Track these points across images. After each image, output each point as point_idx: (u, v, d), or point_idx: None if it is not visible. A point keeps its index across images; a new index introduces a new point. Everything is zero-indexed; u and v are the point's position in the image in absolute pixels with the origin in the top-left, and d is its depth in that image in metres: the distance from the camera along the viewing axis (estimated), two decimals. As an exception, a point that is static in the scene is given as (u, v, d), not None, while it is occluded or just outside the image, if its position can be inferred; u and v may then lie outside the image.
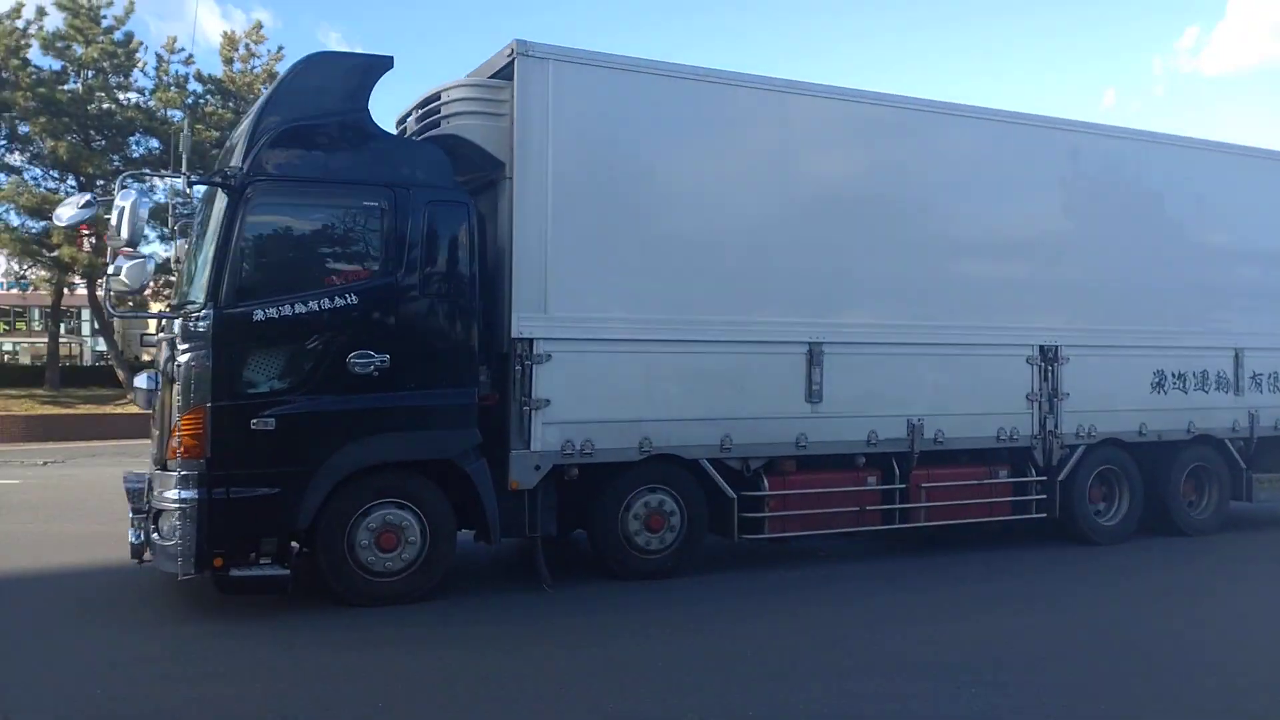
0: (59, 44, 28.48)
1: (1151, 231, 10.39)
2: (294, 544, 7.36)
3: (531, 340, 7.62)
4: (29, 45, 27.93)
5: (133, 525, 7.26)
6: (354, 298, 7.17)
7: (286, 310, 6.99)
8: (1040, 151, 9.89)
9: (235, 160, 7.16)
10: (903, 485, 9.14)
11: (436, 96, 8.07)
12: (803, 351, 8.62)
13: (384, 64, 7.55)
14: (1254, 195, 11.02)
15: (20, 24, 27.93)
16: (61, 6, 28.56)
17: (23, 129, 28.34)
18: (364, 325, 7.20)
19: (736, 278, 8.41)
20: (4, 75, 27.11)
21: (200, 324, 6.85)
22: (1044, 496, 9.86)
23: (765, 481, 8.59)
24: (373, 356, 7.15)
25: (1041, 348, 9.73)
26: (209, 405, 6.81)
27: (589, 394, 7.84)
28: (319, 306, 7.07)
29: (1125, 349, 10.16)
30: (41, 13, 28.34)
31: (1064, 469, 9.86)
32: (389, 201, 7.27)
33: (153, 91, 30.53)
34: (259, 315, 6.93)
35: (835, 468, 8.93)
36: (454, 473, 7.44)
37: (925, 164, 9.27)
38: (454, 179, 7.64)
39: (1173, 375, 10.46)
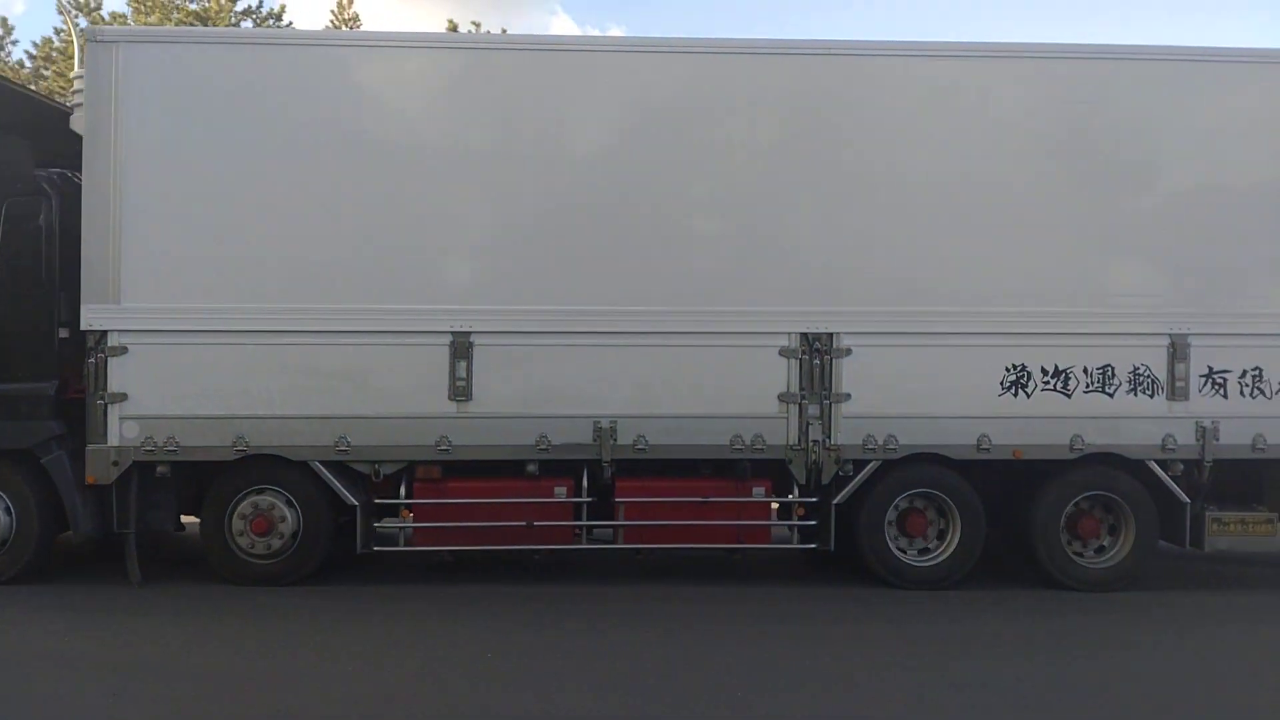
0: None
1: (1000, 169, 7.70)
2: None
3: (104, 332, 7.40)
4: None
5: None
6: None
7: None
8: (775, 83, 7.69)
9: None
10: (590, 499, 7.72)
11: (79, 88, 8.04)
12: (445, 343, 7.52)
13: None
14: (1184, 112, 7.75)
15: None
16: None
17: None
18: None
19: (352, 261, 7.50)
20: None
21: None
22: (813, 523, 7.81)
23: (403, 488, 7.68)
24: (-48, 355, 7.40)
25: (805, 335, 7.63)
26: None
27: (174, 388, 7.45)
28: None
29: (955, 335, 7.66)
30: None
31: (843, 490, 7.72)
32: (-42, 200, 7.41)
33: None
34: None
35: (505, 475, 7.75)
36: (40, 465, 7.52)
37: (597, 110, 7.62)
38: (33, 173, 7.59)
39: (1043, 371, 7.73)
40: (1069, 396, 7.74)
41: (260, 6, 27.84)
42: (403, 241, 7.55)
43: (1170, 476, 7.81)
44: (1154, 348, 7.76)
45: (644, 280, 7.61)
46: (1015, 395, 7.73)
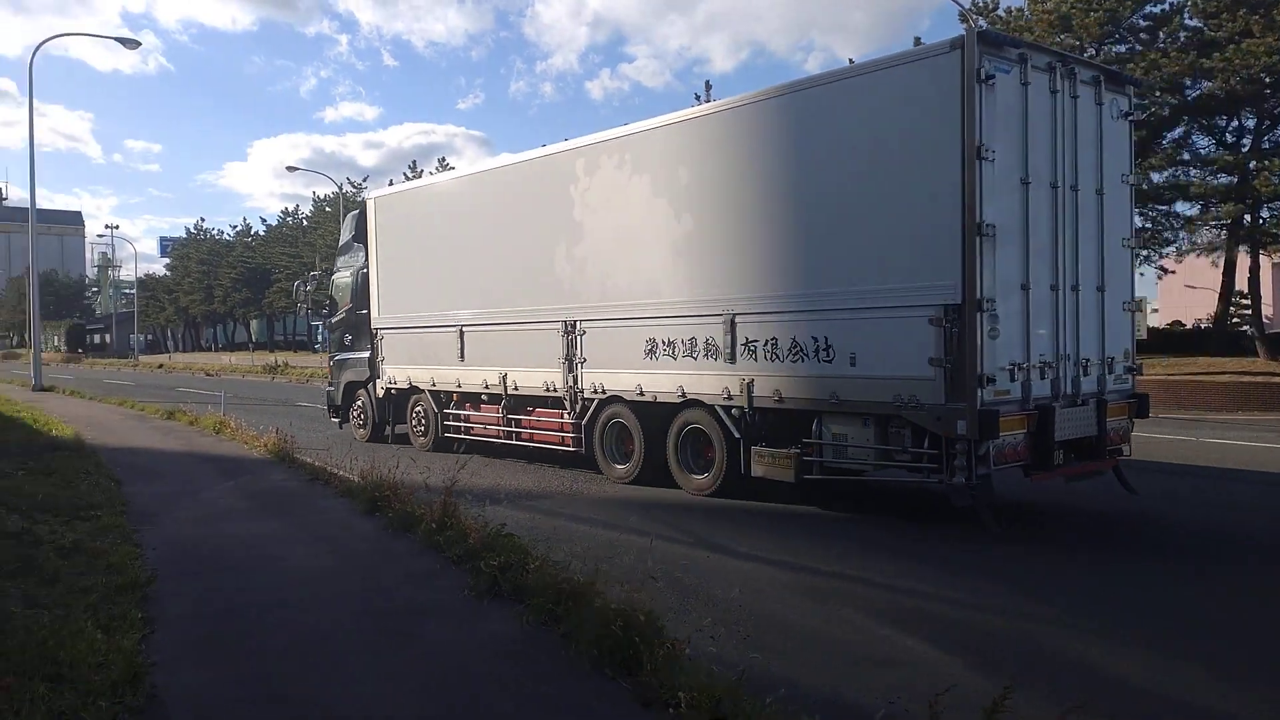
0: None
1: (640, 219, 11.59)
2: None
3: (378, 329, 16.40)
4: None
5: None
6: (353, 316, 17.44)
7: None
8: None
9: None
10: (506, 416, 13.98)
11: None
12: (456, 330, 14.63)
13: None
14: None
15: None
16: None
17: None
18: (350, 328, 17.37)
19: (436, 292, 15.08)
20: None
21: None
22: (577, 435, 12.74)
23: (451, 407, 15.07)
24: (351, 341, 17.35)
25: (565, 322, 12.68)
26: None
27: (394, 356, 16.07)
28: (352, 319, 17.62)
29: (623, 320, 11.86)
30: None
31: (585, 416, 12.54)
32: (353, 271, 17.21)
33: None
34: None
35: (484, 402, 14.51)
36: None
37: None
38: (362, 256, 16.91)
39: (663, 343, 11.40)
40: (676, 360, 11.25)
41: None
42: (441, 280, 14.91)
43: (731, 420, 10.69)
44: (718, 325, 10.74)
45: (505, 291, 13.59)
46: (650, 359, 11.55)
